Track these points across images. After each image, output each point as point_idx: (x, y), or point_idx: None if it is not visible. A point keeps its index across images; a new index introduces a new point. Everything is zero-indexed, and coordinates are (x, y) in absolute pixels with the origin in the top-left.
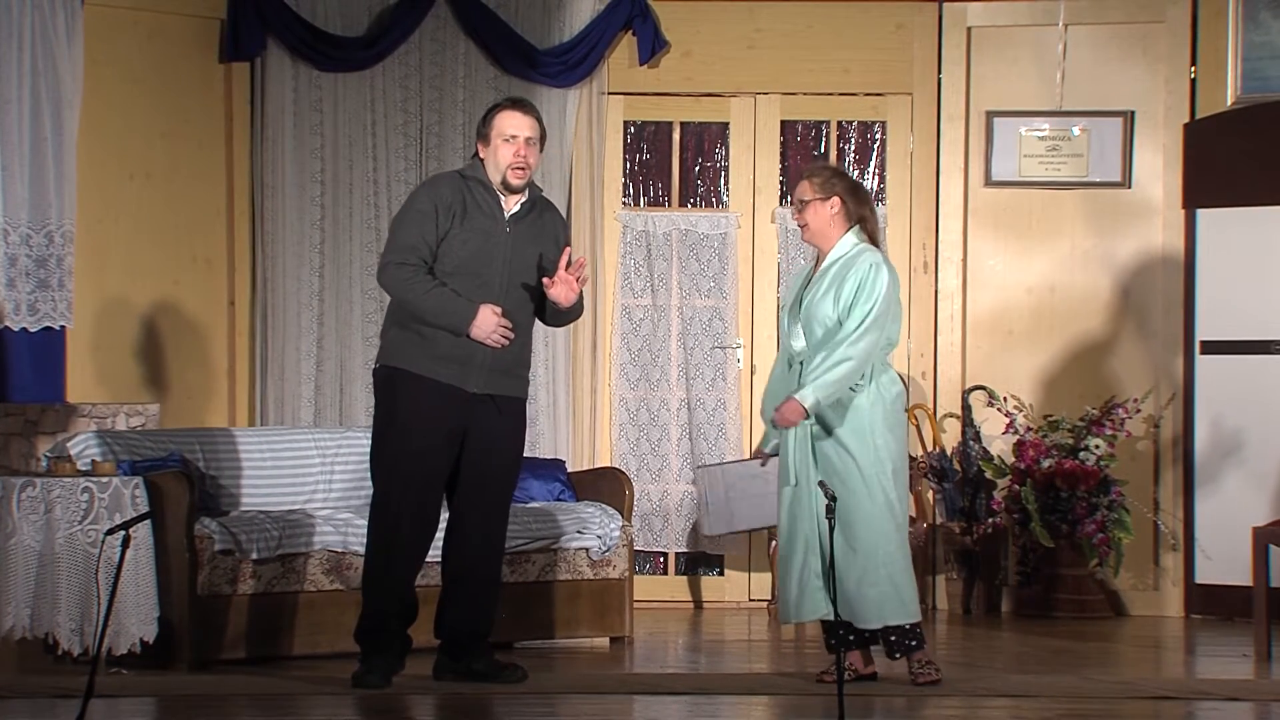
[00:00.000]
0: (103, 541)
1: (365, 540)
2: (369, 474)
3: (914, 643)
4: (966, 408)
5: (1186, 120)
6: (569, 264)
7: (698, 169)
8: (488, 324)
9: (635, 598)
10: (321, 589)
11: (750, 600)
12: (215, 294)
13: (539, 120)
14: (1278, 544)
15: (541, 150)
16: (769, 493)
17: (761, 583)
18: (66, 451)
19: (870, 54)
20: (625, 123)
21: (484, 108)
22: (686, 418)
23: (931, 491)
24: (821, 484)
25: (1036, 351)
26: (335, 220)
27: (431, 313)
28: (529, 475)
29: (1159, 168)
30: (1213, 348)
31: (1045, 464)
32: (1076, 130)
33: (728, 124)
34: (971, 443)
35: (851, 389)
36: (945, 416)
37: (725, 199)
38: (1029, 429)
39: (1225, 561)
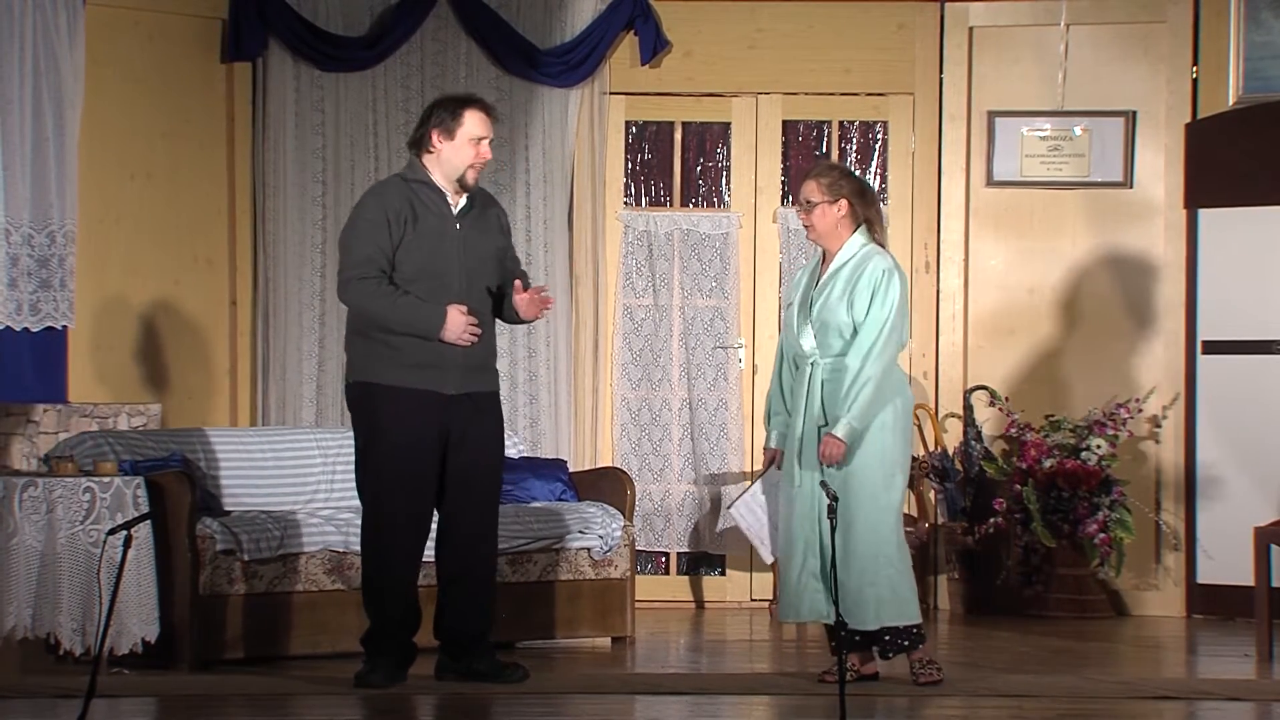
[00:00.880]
0: (104, 541)
1: (361, 556)
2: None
3: (907, 643)
4: (968, 407)
5: (1188, 120)
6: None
7: (699, 169)
8: (457, 325)
9: (637, 598)
10: (323, 589)
11: (752, 600)
12: (217, 294)
13: None
14: (1279, 544)
15: None
16: None
17: (763, 583)
18: (68, 451)
19: (872, 54)
20: (627, 123)
21: None
22: (688, 418)
23: (933, 491)
24: (823, 484)
25: (1038, 351)
26: (337, 220)
27: (401, 322)
28: (530, 475)
29: (1160, 168)
30: (1214, 348)
31: (1047, 464)
32: (1078, 130)
33: (729, 124)
34: (973, 442)
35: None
36: (947, 416)
37: (727, 199)
38: (1029, 427)
39: (1227, 561)
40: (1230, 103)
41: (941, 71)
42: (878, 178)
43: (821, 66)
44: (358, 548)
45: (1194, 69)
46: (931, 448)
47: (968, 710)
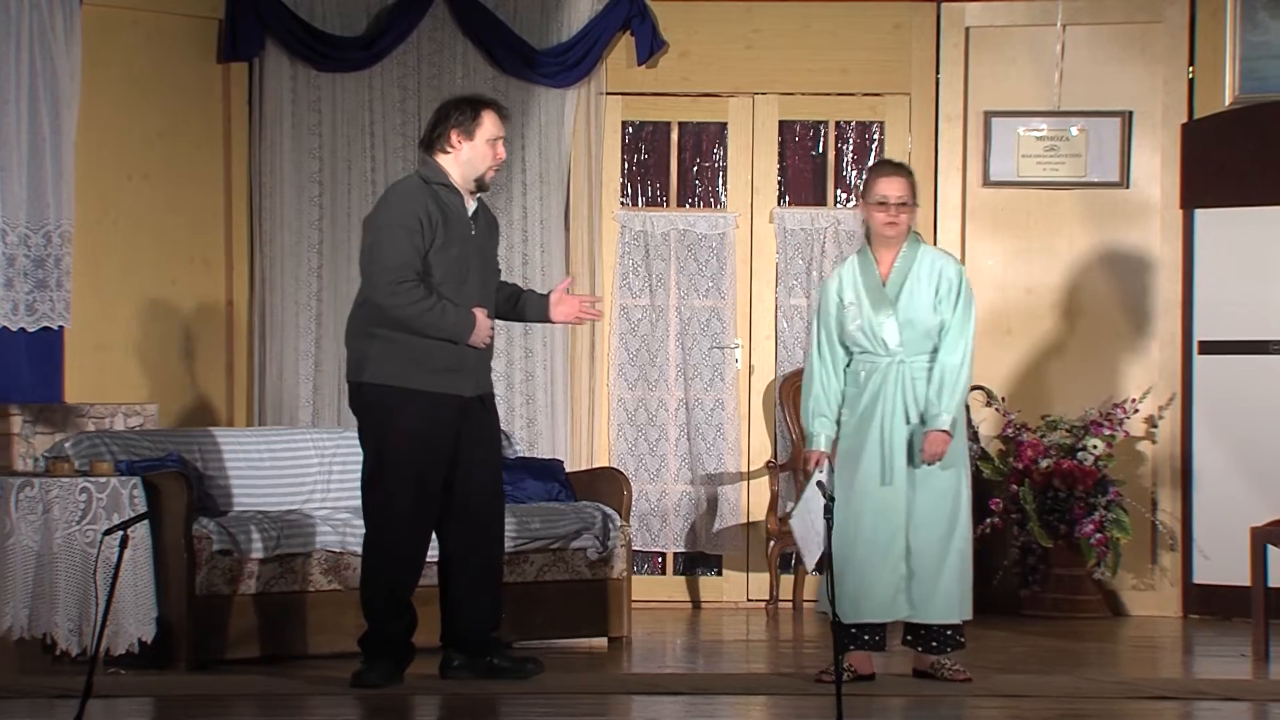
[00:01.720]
0: (101, 541)
1: (362, 556)
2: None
3: (962, 638)
4: (965, 407)
5: (1184, 120)
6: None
7: (696, 169)
8: (484, 329)
9: (633, 598)
10: (320, 589)
11: (748, 600)
12: (213, 294)
13: None
14: (1276, 544)
15: None
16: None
17: (760, 583)
18: (65, 451)
19: (868, 54)
20: (623, 123)
21: None
22: (685, 418)
23: None
24: (820, 484)
25: (1034, 351)
26: (333, 220)
27: (440, 328)
28: (527, 475)
29: (1157, 168)
30: (1211, 348)
31: (1043, 464)
32: (1074, 130)
33: (726, 124)
34: (970, 443)
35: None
36: None
37: (723, 199)
38: (1025, 427)
39: (1223, 561)
40: (1227, 103)
41: (938, 71)
42: None
43: (818, 67)
44: (355, 548)
45: (1190, 69)
46: None
47: (965, 710)
